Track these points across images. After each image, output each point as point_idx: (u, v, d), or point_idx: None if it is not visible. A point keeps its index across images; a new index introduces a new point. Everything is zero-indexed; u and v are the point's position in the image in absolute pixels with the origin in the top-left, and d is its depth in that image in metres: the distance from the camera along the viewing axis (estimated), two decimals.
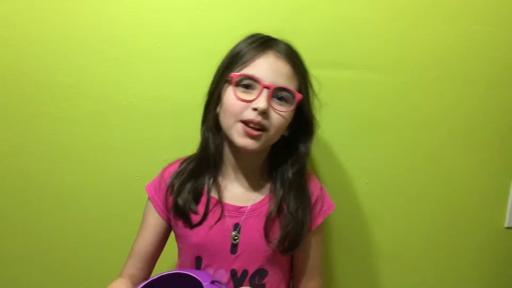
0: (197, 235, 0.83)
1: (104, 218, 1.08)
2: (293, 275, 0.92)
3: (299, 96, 0.80)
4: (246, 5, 1.01)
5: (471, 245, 1.16)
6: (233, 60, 0.81)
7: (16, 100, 1.03)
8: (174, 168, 0.88)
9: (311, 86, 0.87)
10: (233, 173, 0.86)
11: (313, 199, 0.87)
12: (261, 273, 0.84)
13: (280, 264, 0.86)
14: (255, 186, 0.87)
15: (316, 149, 1.07)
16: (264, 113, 0.77)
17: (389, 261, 1.15)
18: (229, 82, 0.80)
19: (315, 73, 1.03)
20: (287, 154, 0.86)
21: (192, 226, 0.83)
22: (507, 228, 1.16)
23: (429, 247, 1.15)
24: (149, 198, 0.89)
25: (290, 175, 0.84)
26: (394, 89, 1.07)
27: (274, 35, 0.85)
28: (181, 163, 0.89)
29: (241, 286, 0.82)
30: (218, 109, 0.83)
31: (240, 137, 0.79)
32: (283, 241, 0.82)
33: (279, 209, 0.83)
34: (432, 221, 1.14)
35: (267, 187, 0.87)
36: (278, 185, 0.85)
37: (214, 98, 0.83)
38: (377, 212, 1.12)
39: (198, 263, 0.85)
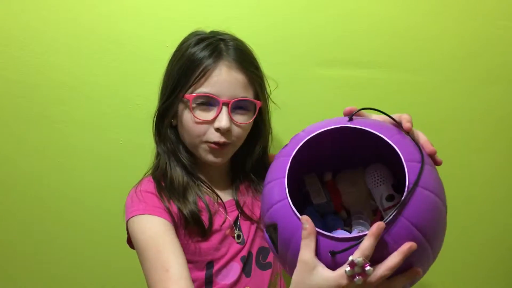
0: (207, 240, 0.82)
1: (109, 221, 1.06)
2: None
3: (259, 103, 0.80)
4: (258, 3, 0.98)
5: (496, 253, 1.13)
6: (185, 73, 0.78)
7: (17, 102, 1.01)
8: (153, 186, 0.82)
9: (266, 88, 0.85)
10: (211, 176, 0.86)
11: None
12: (263, 252, 0.86)
13: None
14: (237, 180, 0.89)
15: None
16: (227, 131, 0.77)
17: None
18: (184, 102, 0.78)
19: (329, 72, 1.01)
20: (247, 150, 0.86)
21: (204, 233, 0.81)
22: None
23: (450, 256, 1.08)
24: (151, 214, 0.77)
25: (251, 166, 0.87)
26: (410, 88, 1.04)
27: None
28: (154, 180, 0.83)
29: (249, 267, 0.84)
30: (174, 123, 0.82)
31: (208, 155, 0.79)
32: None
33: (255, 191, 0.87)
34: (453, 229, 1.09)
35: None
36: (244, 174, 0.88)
37: (170, 114, 0.81)
38: None
39: (209, 269, 0.82)
